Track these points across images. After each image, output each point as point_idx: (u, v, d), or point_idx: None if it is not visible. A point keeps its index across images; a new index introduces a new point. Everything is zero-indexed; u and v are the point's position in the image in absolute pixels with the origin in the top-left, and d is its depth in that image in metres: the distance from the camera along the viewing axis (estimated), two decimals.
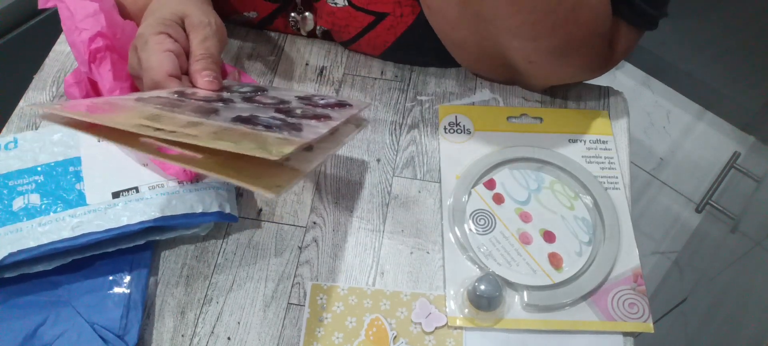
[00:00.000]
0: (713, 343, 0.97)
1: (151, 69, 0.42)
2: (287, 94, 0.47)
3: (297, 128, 0.36)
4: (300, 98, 0.46)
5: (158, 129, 0.32)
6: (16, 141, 0.50)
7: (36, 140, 0.50)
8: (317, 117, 0.40)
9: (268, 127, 0.35)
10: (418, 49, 0.57)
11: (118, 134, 0.33)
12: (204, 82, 0.43)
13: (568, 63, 0.50)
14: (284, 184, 0.33)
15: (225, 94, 0.43)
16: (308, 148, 0.36)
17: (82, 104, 0.35)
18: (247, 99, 0.43)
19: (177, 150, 0.32)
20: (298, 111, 0.41)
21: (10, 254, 0.43)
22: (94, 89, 0.51)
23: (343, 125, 0.42)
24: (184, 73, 0.44)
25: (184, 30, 0.46)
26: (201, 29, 0.45)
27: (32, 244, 0.43)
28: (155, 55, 0.42)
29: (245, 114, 0.38)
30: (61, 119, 0.34)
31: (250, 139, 0.32)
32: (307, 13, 0.58)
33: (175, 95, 0.40)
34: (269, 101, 0.43)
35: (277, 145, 0.31)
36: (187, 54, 0.45)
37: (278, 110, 0.41)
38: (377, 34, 0.56)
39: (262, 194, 0.32)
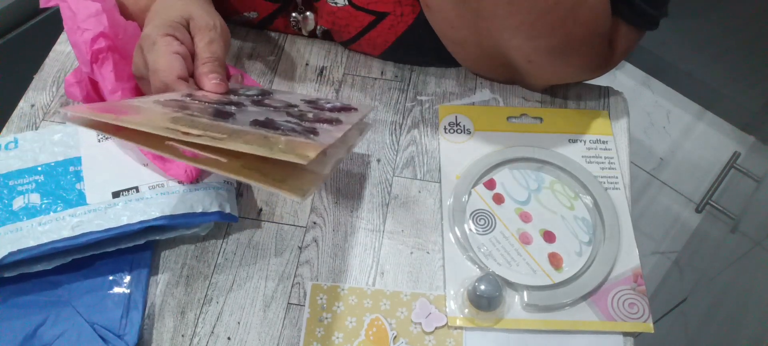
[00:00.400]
0: (713, 343, 0.97)
1: (160, 71, 0.42)
2: (293, 98, 0.47)
3: (314, 132, 0.37)
4: (306, 102, 0.46)
5: (186, 132, 0.32)
6: (16, 141, 0.50)
7: (36, 140, 0.50)
8: (329, 121, 0.40)
9: (288, 131, 0.36)
10: (419, 48, 0.57)
11: (144, 137, 0.33)
12: (211, 85, 0.43)
13: (568, 62, 0.50)
14: (308, 187, 0.33)
15: (233, 98, 0.43)
16: (322, 152, 0.37)
17: (106, 107, 0.36)
18: (256, 102, 0.43)
19: (202, 154, 0.33)
20: (310, 115, 0.41)
21: (10, 253, 0.43)
22: (94, 89, 0.51)
23: (349, 130, 0.43)
24: (189, 75, 0.44)
25: (189, 32, 0.46)
26: (206, 32, 0.45)
27: (32, 243, 0.43)
28: (164, 57, 0.42)
29: (261, 118, 0.38)
30: (87, 121, 0.35)
31: (275, 142, 0.33)
32: (308, 13, 0.58)
33: (188, 98, 0.40)
34: (278, 105, 0.43)
35: (302, 149, 0.32)
36: (192, 56, 0.45)
37: (289, 114, 0.41)
38: (378, 34, 0.56)
39: (288, 197, 0.32)
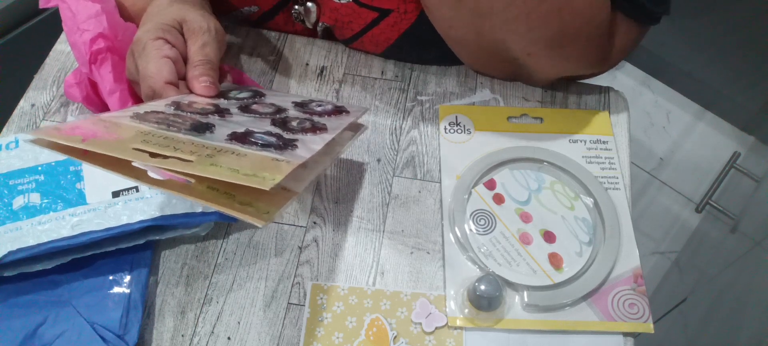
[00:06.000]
0: (713, 343, 0.97)
1: (149, 76, 0.42)
2: (285, 101, 0.46)
3: (293, 145, 0.36)
4: (297, 104, 0.46)
5: (154, 155, 0.32)
6: (17, 141, 0.50)
7: None
8: (314, 129, 0.40)
9: (264, 146, 0.35)
10: (421, 46, 0.57)
11: (111, 161, 0.33)
12: (201, 88, 0.43)
13: (566, 55, 0.50)
14: (273, 209, 0.33)
15: (222, 103, 0.43)
16: (300, 166, 0.37)
17: (77, 128, 0.35)
18: (244, 108, 0.43)
19: (169, 174, 0.32)
20: (295, 123, 0.41)
21: (10, 253, 0.43)
22: (94, 90, 0.51)
23: (336, 137, 0.42)
24: (181, 78, 0.44)
25: (183, 35, 0.46)
26: (200, 35, 0.45)
27: (32, 242, 0.43)
28: (153, 62, 0.42)
29: (240, 130, 0.38)
30: (52, 145, 0.34)
31: (244, 162, 0.32)
32: (309, 4, 0.58)
33: (172, 107, 0.40)
34: (266, 110, 0.43)
35: (270, 171, 0.31)
36: (185, 59, 0.45)
37: (274, 122, 0.41)
38: (380, 31, 0.56)
39: (249, 222, 0.32)
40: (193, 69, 0.44)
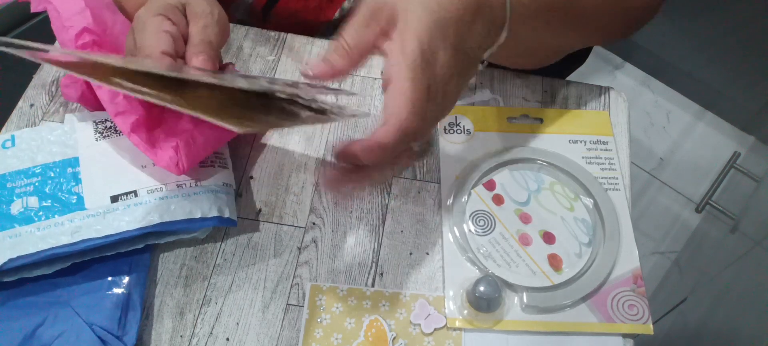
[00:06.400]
0: (713, 343, 0.97)
1: (146, 48, 0.41)
2: (281, 80, 0.47)
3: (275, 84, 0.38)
4: (288, 84, 0.46)
5: (133, 69, 0.35)
6: (13, 139, 0.49)
7: (34, 139, 0.49)
8: (312, 86, 0.41)
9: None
10: None
11: (95, 71, 0.36)
12: (198, 62, 0.43)
13: (619, 23, 0.52)
14: (250, 124, 0.34)
15: (218, 73, 0.43)
16: (291, 114, 0.38)
17: (75, 55, 0.39)
18: (243, 76, 0.43)
19: (145, 89, 0.35)
20: (290, 83, 0.42)
21: (10, 260, 0.42)
22: (89, 88, 0.51)
23: (339, 112, 0.43)
24: (179, 56, 0.43)
25: (185, 17, 0.45)
26: (202, 18, 0.44)
27: (31, 249, 0.43)
28: (152, 35, 0.42)
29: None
30: (52, 61, 0.37)
31: (222, 78, 0.35)
32: None
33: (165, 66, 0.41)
34: (259, 76, 0.44)
35: (242, 84, 0.34)
36: (185, 41, 0.44)
37: (269, 83, 0.41)
38: None
39: (225, 127, 0.33)
40: (193, 47, 0.43)
